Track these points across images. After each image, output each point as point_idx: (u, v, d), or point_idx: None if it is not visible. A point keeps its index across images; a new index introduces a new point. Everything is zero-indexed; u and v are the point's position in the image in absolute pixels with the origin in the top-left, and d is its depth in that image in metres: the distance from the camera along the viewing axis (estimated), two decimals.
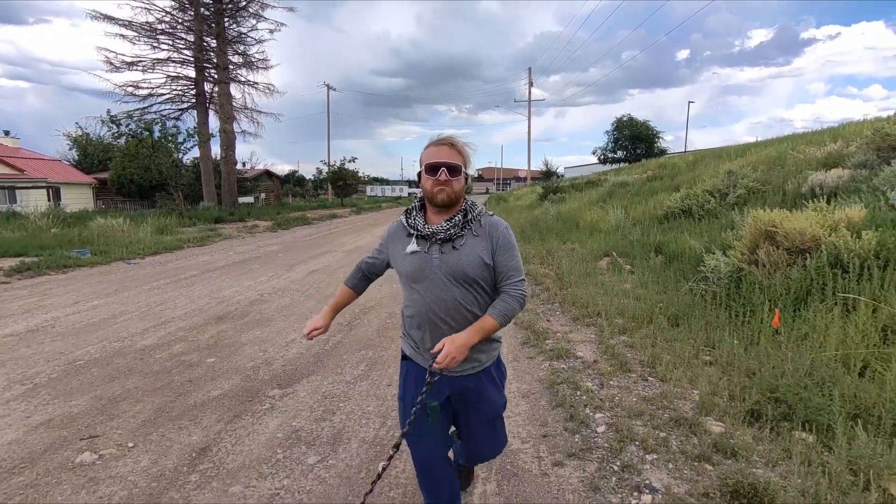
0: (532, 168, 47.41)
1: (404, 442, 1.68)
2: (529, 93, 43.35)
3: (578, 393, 3.24)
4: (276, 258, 9.72)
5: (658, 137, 34.32)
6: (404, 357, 1.84)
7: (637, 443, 2.60)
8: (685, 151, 36.89)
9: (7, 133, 28.65)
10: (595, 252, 8.05)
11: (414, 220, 1.72)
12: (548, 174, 40.44)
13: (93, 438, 2.77)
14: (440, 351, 1.56)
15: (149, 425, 2.93)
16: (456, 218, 1.66)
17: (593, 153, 36.87)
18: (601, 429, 2.79)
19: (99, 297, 6.24)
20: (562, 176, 46.42)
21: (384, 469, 1.62)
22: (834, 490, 2.04)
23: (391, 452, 1.59)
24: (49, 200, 22.89)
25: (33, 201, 20.62)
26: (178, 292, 6.54)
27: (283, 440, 2.76)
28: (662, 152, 34.07)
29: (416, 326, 1.74)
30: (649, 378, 3.40)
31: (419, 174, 1.67)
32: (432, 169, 1.62)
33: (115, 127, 20.78)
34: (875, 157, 8.04)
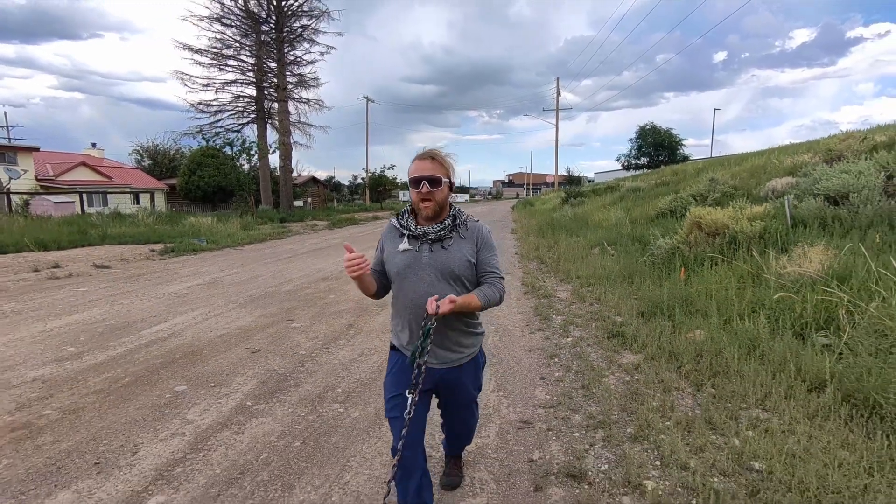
0: (560, 173, 49.38)
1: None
2: (557, 102, 45.43)
3: (550, 310, 5.64)
4: (340, 249, 12.40)
5: (680, 144, 35.82)
6: (392, 348, 2.00)
7: (573, 324, 4.99)
8: (710, 157, 38.13)
9: (94, 145, 32.86)
10: (592, 242, 10.34)
11: (406, 221, 1.88)
12: (570, 180, 42.36)
13: (291, 320, 5.36)
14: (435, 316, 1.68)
15: (317, 317, 5.49)
16: (446, 221, 1.84)
17: (617, 160, 38.66)
18: (558, 320, 5.19)
19: (234, 268, 8.99)
20: (591, 181, 48.16)
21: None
22: (656, 334, 4.37)
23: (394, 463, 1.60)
24: (134, 203, 26.58)
25: (120, 204, 24.18)
26: (286, 265, 9.24)
27: (386, 324, 5.25)
28: (685, 158, 35.56)
29: (402, 317, 1.90)
30: (594, 304, 5.76)
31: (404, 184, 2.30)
32: (415, 182, 1.77)
33: (204, 141, 24.13)
34: (824, 167, 10.08)
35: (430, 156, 1.80)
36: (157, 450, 2.72)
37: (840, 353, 3.33)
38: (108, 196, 26.33)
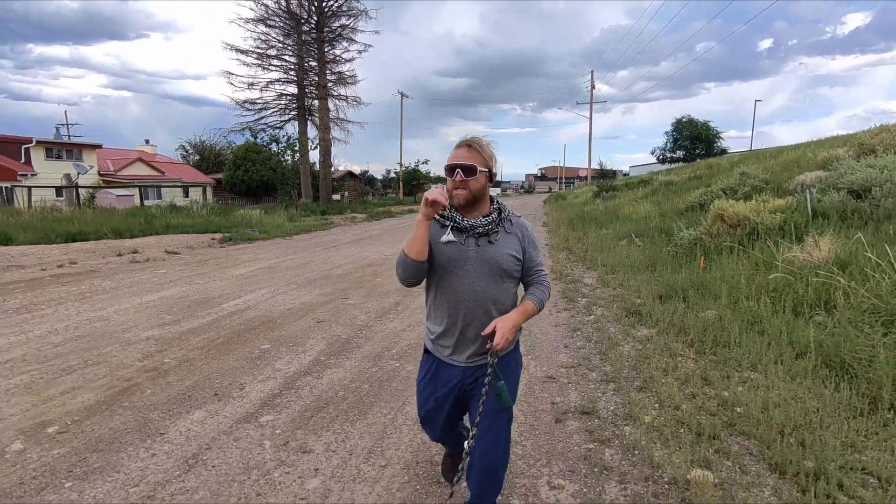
0: (594, 167, 49.08)
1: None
2: (591, 95, 45.13)
3: (576, 293, 6.21)
4: (383, 238, 13.23)
5: (718, 137, 35.13)
6: (426, 351, 1.98)
7: (596, 305, 5.56)
8: (749, 150, 37.21)
9: (147, 142, 34.99)
10: (620, 234, 10.76)
11: (450, 212, 1.79)
12: (603, 174, 42.13)
13: (346, 298, 6.13)
14: (491, 334, 1.69)
15: (367, 296, 6.24)
16: (493, 215, 1.80)
17: (652, 153, 38.20)
18: (583, 301, 5.77)
19: (287, 255, 9.90)
20: (626, 174, 47.67)
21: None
22: (669, 312, 4.89)
23: (462, 467, 1.77)
24: (185, 196, 28.29)
25: (174, 197, 25.83)
26: (333, 253, 10.09)
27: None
28: (723, 152, 34.86)
29: (442, 313, 1.85)
30: (617, 289, 6.30)
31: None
32: (449, 170, 1.74)
33: (252, 137, 25.52)
34: (854, 161, 10.19)
35: (468, 143, 1.75)
36: (258, 387, 3.49)
37: (833, 328, 3.80)
38: (162, 190, 28.10)
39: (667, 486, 2.30)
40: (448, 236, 1.77)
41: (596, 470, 2.47)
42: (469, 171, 1.71)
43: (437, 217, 1.79)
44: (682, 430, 2.77)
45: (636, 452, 2.60)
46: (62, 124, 41.05)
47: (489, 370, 1.72)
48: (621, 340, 4.36)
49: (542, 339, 4.57)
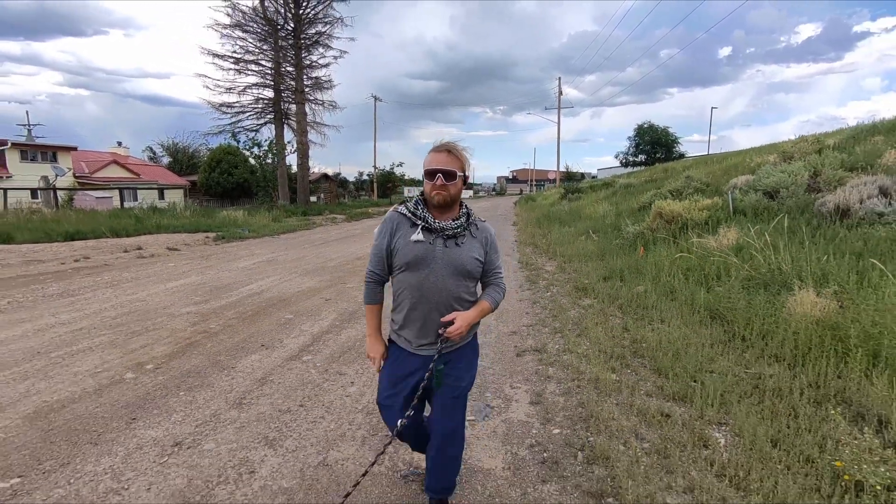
0: (562, 170, 51.07)
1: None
2: (559, 101, 47.06)
3: (538, 278, 7.46)
4: (365, 236, 14.27)
5: (677, 142, 37.46)
6: (390, 341, 2.08)
7: (553, 285, 6.82)
8: (706, 154, 39.68)
9: (120, 143, 34.86)
10: (580, 231, 12.13)
11: (422, 212, 1.89)
12: (569, 177, 44.09)
13: (345, 283, 7.20)
14: (449, 323, 1.83)
15: (363, 282, 7.33)
16: (461, 219, 1.91)
17: (616, 157, 40.33)
18: (542, 283, 7.02)
19: (281, 251, 10.86)
20: (594, 177, 49.83)
21: (380, 455, 1.94)
22: (615, 288, 6.18)
23: (391, 437, 1.86)
24: (161, 199, 28.51)
25: (146, 199, 26.10)
26: (323, 249, 11.11)
27: None
28: (681, 156, 37.19)
29: (405, 309, 1.93)
30: (571, 273, 7.58)
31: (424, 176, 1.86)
32: (430, 174, 1.82)
33: (235, 141, 26.05)
34: (769, 167, 11.80)
35: (447, 148, 1.83)
36: (293, 341, 4.58)
37: (719, 292, 5.13)
38: (138, 192, 28.27)
39: (586, 382, 3.52)
40: (418, 235, 1.87)
41: (542, 378, 3.68)
42: (450, 175, 1.82)
43: (409, 215, 1.91)
44: (601, 356, 4.01)
45: (569, 368, 3.82)
46: (23, 124, 40.27)
47: (435, 355, 1.88)
48: (569, 307, 5.62)
49: (510, 309, 5.77)
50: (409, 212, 1.91)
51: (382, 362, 2.03)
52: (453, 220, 1.90)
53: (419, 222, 1.88)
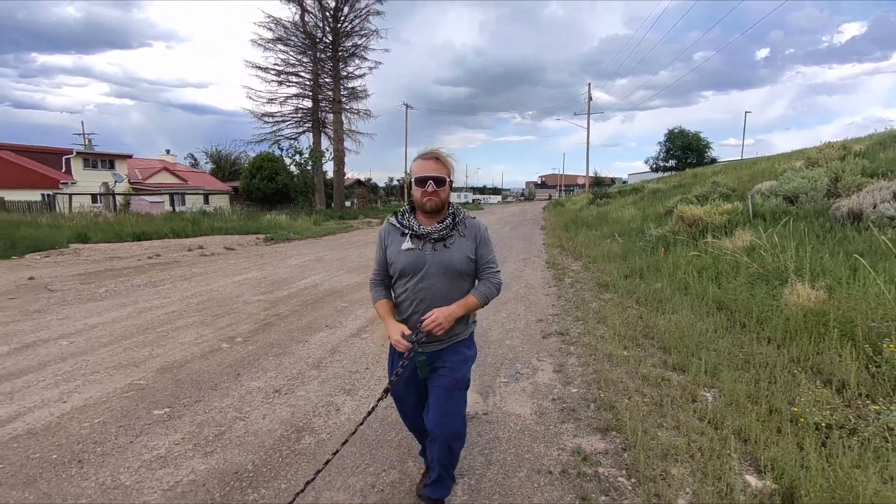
0: (591, 175, 51.10)
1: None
2: (589, 107, 47.21)
3: (563, 275, 8.10)
4: None
5: (708, 147, 37.13)
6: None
7: (578, 283, 7.45)
8: (741, 158, 39.18)
9: (168, 151, 37.04)
10: (606, 234, 12.66)
11: (408, 221, 1.98)
12: (598, 182, 44.14)
13: None
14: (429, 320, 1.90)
15: None
16: (447, 221, 1.97)
17: (646, 162, 40.23)
18: (568, 280, 7.66)
19: (326, 251, 11.79)
20: (625, 182, 49.74)
21: (374, 407, 2.03)
22: (634, 285, 6.78)
23: (380, 395, 2.02)
24: (205, 203, 30.25)
25: (194, 204, 27.79)
26: (364, 250, 11.99)
27: None
28: (713, 161, 36.85)
29: (404, 313, 2.03)
30: (595, 272, 8.18)
31: (409, 184, 2.00)
32: (421, 181, 1.90)
33: (279, 150, 27.62)
34: (791, 173, 12.07)
35: (434, 156, 1.92)
36: (351, 323, 5.38)
37: (728, 287, 5.67)
38: (186, 196, 30.09)
39: (601, 357, 4.18)
40: (407, 244, 1.96)
41: (564, 354, 4.36)
42: (440, 181, 1.90)
43: (398, 225, 2.02)
44: (616, 338, 4.65)
45: (587, 347, 4.48)
46: (79, 133, 43.17)
47: (412, 347, 1.93)
48: (591, 300, 6.26)
49: (537, 301, 6.45)
50: (398, 222, 2.02)
51: (404, 337, 1.96)
52: (439, 224, 1.97)
53: (407, 231, 1.97)
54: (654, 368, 3.86)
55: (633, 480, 2.45)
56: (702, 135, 37.19)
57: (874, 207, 7.18)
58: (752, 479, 2.38)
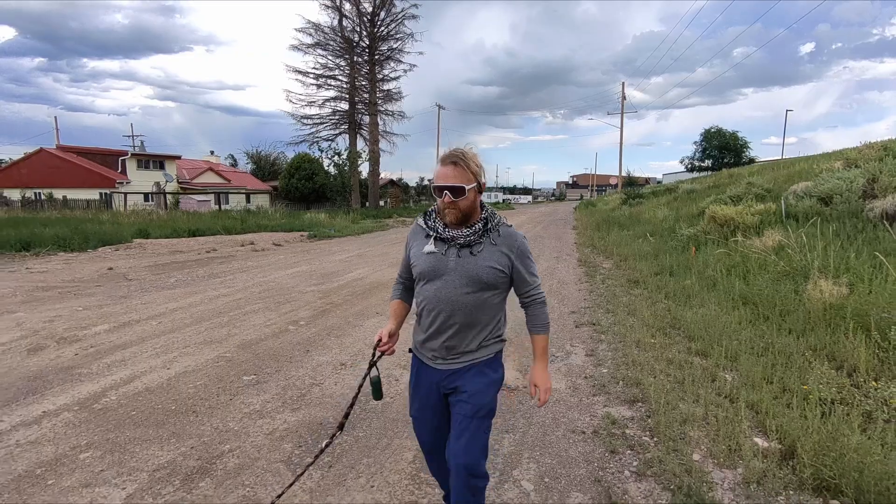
0: (624, 175, 50.59)
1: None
2: (622, 106, 46.74)
3: (595, 272, 8.45)
4: None
5: (746, 147, 36.33)
6: (411, 352, 2.07)
7: (609, 280, 7.80)
8: (782, 158, 38.14)
9: (212, 152, 38.82)
10: (638, 234, 12.86)
11: (434, 222, 1.83)
12: (630, 182, 43.71)
13: None
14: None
15: None
16: (476, 226, 1.79)
17: (681, 162, 39.62)
18: (599, 277, 8.02)
19: (366, 247, 12.45)
20: (660, 182, 49.09)
21: (324, 447, 2.01)
22: (664, 281, 7.09)
23: (332, 433, 2.01)
24: (247, 202, 31.61)
25: (240, 203, 29.09)
26: (401, 248, 12.57)
27: None
28: (751, 161, 36.04)
29: (425, 320, 1.88)
30: (626, 270, 8.50)
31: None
32: (437, 191, 1.73)
33: (319, 151, 28.78)
34: (826, 175, 12.00)
35: (453, 161, 1.71)
36: None
37: (755, 283, 5.94)
38: (229, 196, 31.52)
39: (630, 343, 4.58)
40: (430, 247, 1.81)
41: (595, 341, 4.78)
42: (457, 191, 1.70)
43: (423, 226, 1.87)
44: (645, 328, 5.03)
45: (618, 335, 4.88)
46: (128, 136, 45.64)
47: (371, 364, 1.96)
48: (622, 295, 6.62)
49: (569, 296, 6.85)
50: (424, 223, 1.88)
51: (385, 340, 1.94)
52: (466, 228, 1.79)
53: (431, 233, 1.82)
54: (679, 354, 4.23)
55: (655, 439, 2.88)
56: (739, 134, 36.45)
57: None
58: (760, 440, 2.77)
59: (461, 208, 1.72)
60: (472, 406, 1.80)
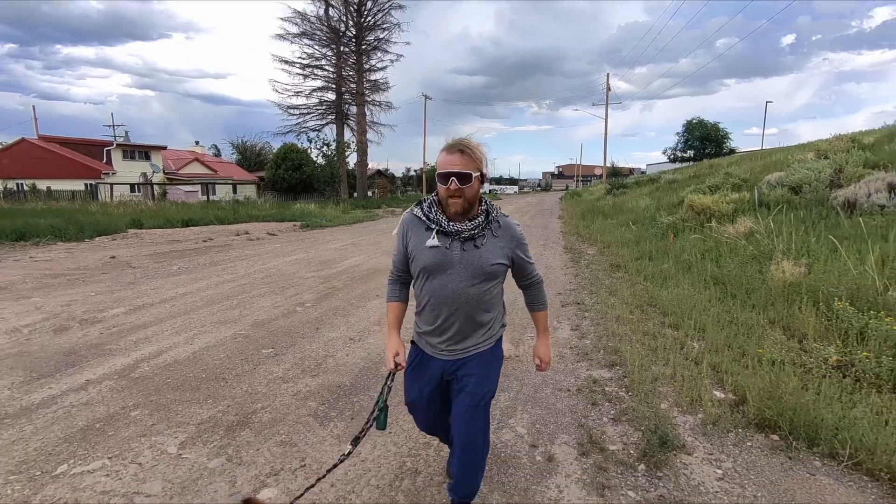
0: (609, 166, 51.36)
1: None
2: (607, 97, 47.37)
3: (580, 259, 8.94)
4: None
5: (727, 138, 37.22)
6: (412, 342, 2.05)
7: (593, 265, 8.29)
8: (762, 148, 39.12)
9: (197, 143, 38.49)
10: (621, 222, 13.41)
11: (435, 215, 1.80)
12: (614, 173, 44.52)
13: None
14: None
15: None
16: (479, 219, 1.80)
17: (664, 153, 40.44)
18: (583, 263, 8.51)
19: (358, 236, 12.79)
20: (643, 172, 49.98)
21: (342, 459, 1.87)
22: (644, 265, 7.61)
23: (349, 448, 1.86)
24: (234, 193, 31.56)
25: (228, 194, 29.05)
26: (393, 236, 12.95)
27: None
28: (732, 151, 36.96)
29: (430, 313, 1.89)
30: (609, 256, 9.00)
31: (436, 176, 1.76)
32: (443, 177, 1.71)
33: (308, 142, 28.81)
34: (797, 165, 12.63)
35: (460, 148, 1.71)
36: None
37: (725, 266, 6.46)
38: (216, 186, 31.43)
39: (611, 318, 5.05)
40: (433, 241, 1.79)
41: (579, 318, 5.25)
42: (464, 178, 1.69)
43: (423, 218, 1.83)
44: (624, 305, 5.51)
45: (599, 312, 5.36)
46: (108, 125, 44.95)
47: (379, 398, 1.90)
48: (604, 278, 7.11)
49: (556, 280, 7.32)
50: (423, 214, 1.84)
51: (398, 361, 1.88)
52: (470, 221, 1.80)
53: (433, 226, 1.80)
54: (654, 327, 4.72)
55: (630, 394, 3.35)
56: (721, 125, 37.32)
57: (868, 197, 7.87)
58: (718, 392, 3.26)
59: (467, 196, 1.73)
60: (478, 394, 1.87)
